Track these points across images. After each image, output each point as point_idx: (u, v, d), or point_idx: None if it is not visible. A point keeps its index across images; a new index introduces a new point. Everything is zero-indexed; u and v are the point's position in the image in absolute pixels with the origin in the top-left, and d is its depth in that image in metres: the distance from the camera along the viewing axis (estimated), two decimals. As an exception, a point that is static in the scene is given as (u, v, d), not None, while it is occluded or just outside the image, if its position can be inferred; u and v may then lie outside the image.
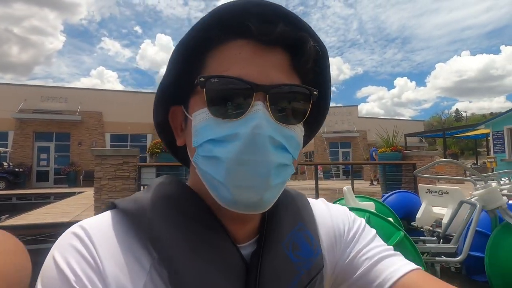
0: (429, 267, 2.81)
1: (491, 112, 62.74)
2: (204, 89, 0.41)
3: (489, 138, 15.38)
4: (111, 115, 18.73)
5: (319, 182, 7.69)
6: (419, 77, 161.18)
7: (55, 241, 0.41)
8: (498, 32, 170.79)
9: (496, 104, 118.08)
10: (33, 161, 17.22)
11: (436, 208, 4.01)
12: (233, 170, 0.39)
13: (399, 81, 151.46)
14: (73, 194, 11.85)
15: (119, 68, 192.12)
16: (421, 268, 0.50)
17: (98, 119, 18.45)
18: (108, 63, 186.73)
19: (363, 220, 0.58)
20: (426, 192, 4.00)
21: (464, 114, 64.21)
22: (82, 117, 17.77)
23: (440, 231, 3.33)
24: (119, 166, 5.94)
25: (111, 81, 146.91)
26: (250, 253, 0.46)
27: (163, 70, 0.57)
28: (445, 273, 3.10)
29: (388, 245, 0.54)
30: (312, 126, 0.53)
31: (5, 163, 15.59)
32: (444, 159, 5.87)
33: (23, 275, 0.39)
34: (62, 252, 0.38)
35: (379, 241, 0.54)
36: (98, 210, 5.83)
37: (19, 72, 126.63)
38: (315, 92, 0.45)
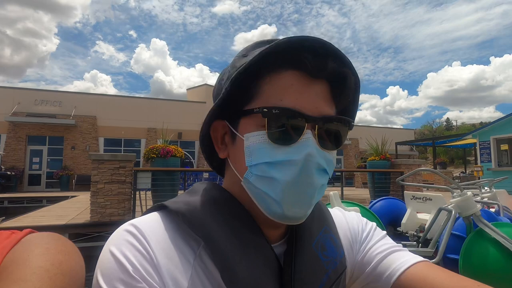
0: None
1: (481, 122, 63.26)
2: (266, 118, 0.45)
3: (476, 147, 15.53)
4: (105, 119, 18.48)
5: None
6: (411, 86, 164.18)
7: None
8: (488, 44, 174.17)
9: (486, 114, 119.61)
10: (26, 164, 16.93)
11: (420, 214, 4.08)
12: (287, 190, 0.44)
13: (392, 90, 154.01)
14: (66, 198, 11.70)
15: (113, 71, 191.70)
16: (428, 260, 0.54)
17: (92, 123, 18.19)
18: (102, 67, 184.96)
19: (374, 223, 0.65)
20: (411, 199, 4.07)
21: (454, 123, 65.02)
22: (76, 121, 17.52)
23: (423, 235, 3.51)
24: (115, 170, 6.09)
25: (105, 84, 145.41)
26: (282, 253, 0.50)
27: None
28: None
29: None
30: None
31: (-4, 166, 15.37)
32: (423, 168, 6.09)
33: (83, 274, 0.42)
34: (118, 246, 0.42)
35: (388, 239, 0.60)
36: (94, 213, 5.96)
37: (11, 74, 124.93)
38: (352, 123, 0.52)
